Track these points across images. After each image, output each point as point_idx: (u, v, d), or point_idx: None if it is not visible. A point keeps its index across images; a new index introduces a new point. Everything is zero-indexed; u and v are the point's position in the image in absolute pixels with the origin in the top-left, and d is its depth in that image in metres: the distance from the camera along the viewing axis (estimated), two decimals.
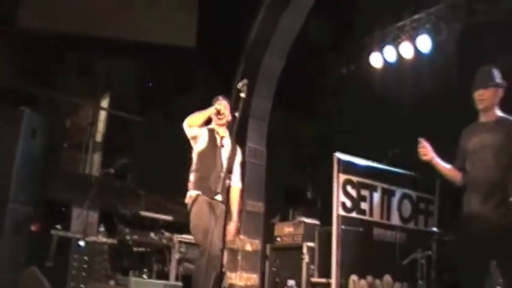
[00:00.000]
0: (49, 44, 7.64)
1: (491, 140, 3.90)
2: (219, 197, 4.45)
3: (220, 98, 4.97)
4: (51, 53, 7.77)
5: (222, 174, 4.34)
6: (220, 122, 4.88)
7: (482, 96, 4.01)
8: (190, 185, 4.79)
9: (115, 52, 8.21)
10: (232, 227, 4.76)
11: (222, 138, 4.90)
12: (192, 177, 4.81)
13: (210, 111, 4.83)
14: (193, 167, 4.83)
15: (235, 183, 4.91)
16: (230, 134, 4.87)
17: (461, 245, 4.00)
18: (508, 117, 3.98)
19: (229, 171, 4.60)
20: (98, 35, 7.85)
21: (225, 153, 4.79)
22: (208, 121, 4.95)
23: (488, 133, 3.94)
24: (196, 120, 4.82)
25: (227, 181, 4.45)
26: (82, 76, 8.16)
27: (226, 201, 4.49)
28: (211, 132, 4.89)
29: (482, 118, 4.06)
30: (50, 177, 7.34)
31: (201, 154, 4.85)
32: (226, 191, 4.48)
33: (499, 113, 4.01)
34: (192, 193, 4.73)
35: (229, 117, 4.89)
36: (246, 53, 8.61)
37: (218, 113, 4.82)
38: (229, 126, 4.90)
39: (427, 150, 4.30)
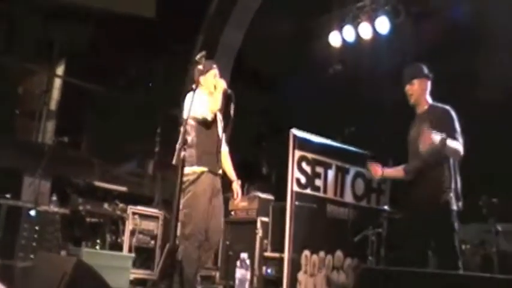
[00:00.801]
0: (3, 9, 7.39)
1: (419, 131, 4.15)
2: (220, 171, 4.65)
3: (215, 65, 4.85)
4: (4, 18, 7.52)
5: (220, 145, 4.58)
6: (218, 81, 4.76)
7: (410, 91, 4.34)
8: (192, 160, 4.53)
9: (72, 18, 8.00)
10: (235, 186, 4.86)
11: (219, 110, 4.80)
12: (192, 152, 4.53)
13: (219, 92, 4.64)
14: (192, 141, 4.56)
15: (224, 147, 4.92)
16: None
17: (404, 226, 4.22)
18: (437, 104, 4.21)
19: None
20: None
21: (220, 124, 4.83)
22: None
23: (420, 124, 4.20)
24: (216, 106, 4.64)
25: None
26: (37, 42, 7.93)
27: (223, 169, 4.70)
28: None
29: (418, 109, 4.36)
30: (1, 145, 7.17)
31: (202, 128, 4.70)
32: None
33: (430, 101, 4.24)
34: (196, 169, 4.55)
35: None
36: (206, 25, 8.53)
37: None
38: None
39: (376, 169, 4.68)
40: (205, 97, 4.67)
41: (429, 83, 4.30)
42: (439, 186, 3.97)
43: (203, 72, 4.70)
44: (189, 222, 4.48)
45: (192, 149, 4.53)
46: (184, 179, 4.37)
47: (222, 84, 4.65)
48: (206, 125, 4.65)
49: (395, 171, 4.62)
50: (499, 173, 5.45)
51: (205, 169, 4.54)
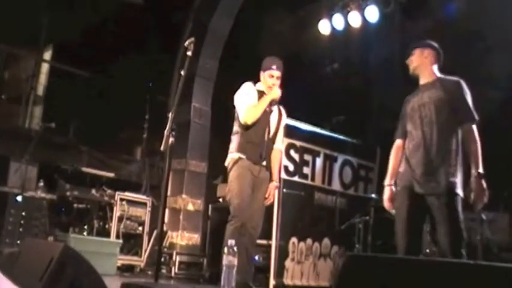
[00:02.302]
0: None
1: (429, 97, 3.93)
2: (264, 163, 4.57)
3: (275, 66, 4.68)
4: None
5: (269, 140, 4.54)
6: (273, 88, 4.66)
7: (409, 61, 4.13)
8: (233, 147, 4.58)
9: (60, 3, 7.92)
10: (272, 186, 4.73)
11: (271, 102, 4.67)
12: (235, 139, 4.60)
13: (266, 101, 4.57)
14: (238, 129, 4.60)
15: (278, 144, 4.85)
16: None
17: (397, 209, 4.02)
18: (447, 77, 4.01)
19: (276, 134, 4.74)
20: None
21: (273, 117, 4.72)
22: (257, 79, 4.77)
23: (427, 91, 3.96)
24: (256, 114, 4.52)
25: (272, 145, 4.65)
26: (24, 27, 7.83)
27: (268, 163, 4.64)
28: (261, 96, 4.64)
29: (421, 81, 4.09)
30: None
31: None
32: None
33: (438, 74, 4.05)
34: (234, 155, 4.55)
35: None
36: (195, 11, 8.48)
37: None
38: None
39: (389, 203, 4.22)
40: (254, 99, 4.59)
41: (434, 54, 4.03)
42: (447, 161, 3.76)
43: (263, 68, 4.71)
44: (231, 206, 4.49)
45: (236, 136, 4.61)
46: (227, 166, 4.60)
47: (275, 94, 4.61)
48: None
49: (394, 166, 4.25)
50: (488, 163, 5.49)
51: (243, 156, 4.50)
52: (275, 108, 4.74)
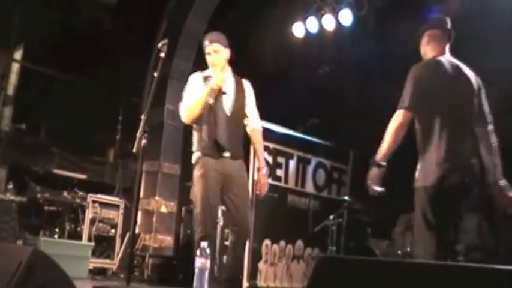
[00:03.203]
0: None
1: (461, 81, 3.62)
2: (227, 154, 4.11)
3: (207, 41, 4.24)
4: None
5: (228, 125, 4.06)
6: (215, 68, 4.20)
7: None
8: (194, 146, 4.26)
9: (32, 2, 7.80)
10: (262, 175, 4.37)
11: (221, 92, 4.19)
12: (194, 136, 4.26)
13: (204, 95, 4.07)
14: (194, 125, 4.25)
15: (254, 124, 4.40)
16: (233, 72, 4.33)
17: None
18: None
19: (241, 115, 4.24)
20: None
21: (228, 99, 4.19)
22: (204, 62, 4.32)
23: (457, 75, 3.62)
24: (194, 113, 4.13)
25: (237, 131, 4.16)
26: None
27: (235, 150, 4.14)
28: (208, 81, 4.20)
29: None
30: None
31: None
32: (248, 136, 4.31)
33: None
34: (195, 155, 4.22)
35: (227, 54, 4.26)
36: (169, 13, 8.44)
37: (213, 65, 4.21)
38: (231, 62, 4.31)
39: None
40: (198, 92, 4.17)
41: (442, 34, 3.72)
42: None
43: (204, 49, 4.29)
44: (195, 210, 4.19)
45: (194, 133, 4.28)
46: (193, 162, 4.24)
47: (215, 82, 4.08)
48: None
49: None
50: None
51: (202, 154, 4.14)
52: (230, 85, 4.25)
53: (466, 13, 5.41)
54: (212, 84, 4.06)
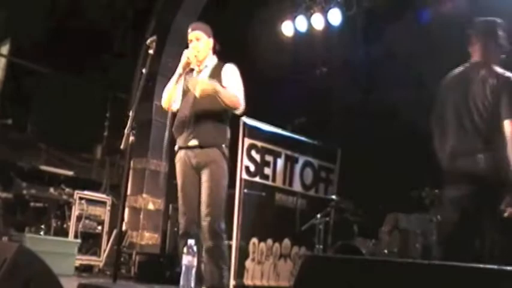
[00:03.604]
0: None
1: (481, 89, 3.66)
2: (194, 142, 3.90)
3: (190, 29, 4.16)
4: None
5: (196, 111, 3.85)
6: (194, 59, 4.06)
7: None
8: None
9: None
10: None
11: (198, 72, 4.11)
12: None
13: (176, 75, 4.04)
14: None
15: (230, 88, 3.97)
16: (219, 60, 4.16)
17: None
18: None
19: (212, 99, 3.84)
20: None
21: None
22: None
23: (479, 81, 3.66)
24: (165, 95, 4.07)
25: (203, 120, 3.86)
26: None
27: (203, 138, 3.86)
28: (186, 75, 4.11)
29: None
30: None
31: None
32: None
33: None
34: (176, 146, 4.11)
35: (210, 43, 4.14)
36: (158, 10, 8.42)
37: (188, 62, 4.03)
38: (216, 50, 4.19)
39: None
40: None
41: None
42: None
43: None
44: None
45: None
46: None
47: (184, 59, 4.02)
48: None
49: None
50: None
51: (176, 148, 4.06)
52: (206, 73, 4.07)
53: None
54: (182, 61, 4.00)
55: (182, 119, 4.00)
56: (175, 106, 4.14)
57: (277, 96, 7.35)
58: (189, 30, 4.17)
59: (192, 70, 4.16)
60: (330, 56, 7.22)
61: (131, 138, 3.79)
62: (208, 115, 3.93)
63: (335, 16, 6.89)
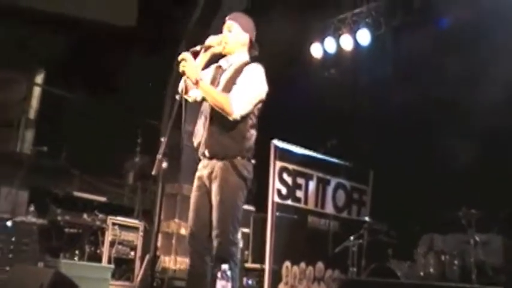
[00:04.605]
0: None
1: None
2: (206, 153, 3.61)
3: (227, 18, 3.81)
4: None
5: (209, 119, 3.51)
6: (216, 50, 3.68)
7: None
8: None
9: (52, 27, 7.94)
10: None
11: (222, 72, 3.72)
12: None
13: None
14: None
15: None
16: (250, 56, 3.77)
17: None
18: None
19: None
20: (34, 7, 7.57)
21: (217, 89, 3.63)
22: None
23: None
24: (184, 84, 3.64)
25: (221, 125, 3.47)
26: (15, 50, 7.84)
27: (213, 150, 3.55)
28: (215, 71, 3.77)
29: None
30: None
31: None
32: None
33: None
34: None
35: (243, 38, 3.75)
36: (188, 33, 8.52)
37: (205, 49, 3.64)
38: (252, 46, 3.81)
39: None
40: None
41: None
42: None
43: None
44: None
45: None
46: None
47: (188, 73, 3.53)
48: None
49: None
50: (479, 185, 5.51)
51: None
52: (228, 73, 3.70)
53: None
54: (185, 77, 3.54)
55: (199, 125, 3.74)
56: (192, 94, 3.72)
57: (308, 118, 7.33)
58: (226, 18, 3.80)
59: (219, 67, 3.79)
60: (359, 76, 7.18)
61: (164, 164, 3.57)
62: (223, 121, 3.55)
63: (364, 36, 6.89)
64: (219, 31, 3.83)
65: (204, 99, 3.68)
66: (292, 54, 7.53)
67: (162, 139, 3.78)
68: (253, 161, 3.68)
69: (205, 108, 3.69)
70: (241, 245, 6.49)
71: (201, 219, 3.57)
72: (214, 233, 3.44)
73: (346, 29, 7.08)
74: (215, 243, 3.41)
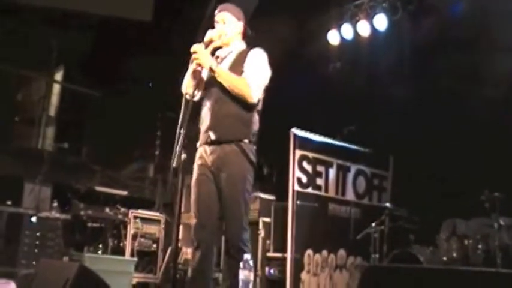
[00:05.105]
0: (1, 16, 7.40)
1: None
2: (213, 137, 3.60)
3: (218, 9, 3.83)
4: (1, 25, 7.52)
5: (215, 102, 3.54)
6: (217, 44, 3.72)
7: None
8: None
9: (70, 24, 8.01)
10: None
11: (221, 61, 3.76)
12: None
13: (189, 69, 3.71)
14: None
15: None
16: (247, 46, 3.83)
17: None
18: None
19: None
20: (52, 6, 7.63)
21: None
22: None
23: None
24: (186, 85, 3.75)
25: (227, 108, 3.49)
26: (35, 49, 7.92)
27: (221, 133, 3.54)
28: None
29: None
30: (1, 152, 7.18)
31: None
32: None
33: None
34: None
35: (238, 27, 3.82)
36: (204, 27, 8.52)
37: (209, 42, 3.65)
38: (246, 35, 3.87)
39: None
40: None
41: None
42: None
43: None
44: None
45: None
46: None
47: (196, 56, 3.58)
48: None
49: None
50: (501, 167, 5.43)
51: (197, 145, 3.78)
52: (228, 62, 3.76)
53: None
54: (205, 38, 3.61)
55: (205, 112, 3.73)
56: (190, 91, 3.70)
57: (324, 105, 7.30)
58: (216, 11, 3.85)
59: (216, 57, 3.80)
60: (376, 62, 7.12)
61: (183, 155, 3.57)
62: (232, 105, 3.58)
63: (381, 21, 6.82)
64: (209, 27, 3.83)
65: (208, 84, 3.72)
66: (309, 41, 7.48)
67: (181, 131, 3.78)
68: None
69: (212, 93, 3.70)
70: (263, 234, 6.52)
71: (209, 208, 3.58)
72: (227, 220, 3.48)
73: (363, 15, 7.02)
74: (229, 232, 3.47)
